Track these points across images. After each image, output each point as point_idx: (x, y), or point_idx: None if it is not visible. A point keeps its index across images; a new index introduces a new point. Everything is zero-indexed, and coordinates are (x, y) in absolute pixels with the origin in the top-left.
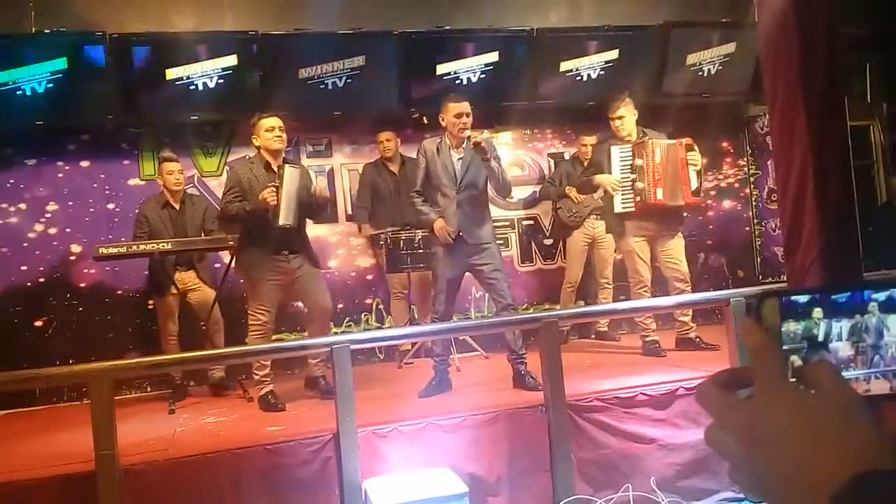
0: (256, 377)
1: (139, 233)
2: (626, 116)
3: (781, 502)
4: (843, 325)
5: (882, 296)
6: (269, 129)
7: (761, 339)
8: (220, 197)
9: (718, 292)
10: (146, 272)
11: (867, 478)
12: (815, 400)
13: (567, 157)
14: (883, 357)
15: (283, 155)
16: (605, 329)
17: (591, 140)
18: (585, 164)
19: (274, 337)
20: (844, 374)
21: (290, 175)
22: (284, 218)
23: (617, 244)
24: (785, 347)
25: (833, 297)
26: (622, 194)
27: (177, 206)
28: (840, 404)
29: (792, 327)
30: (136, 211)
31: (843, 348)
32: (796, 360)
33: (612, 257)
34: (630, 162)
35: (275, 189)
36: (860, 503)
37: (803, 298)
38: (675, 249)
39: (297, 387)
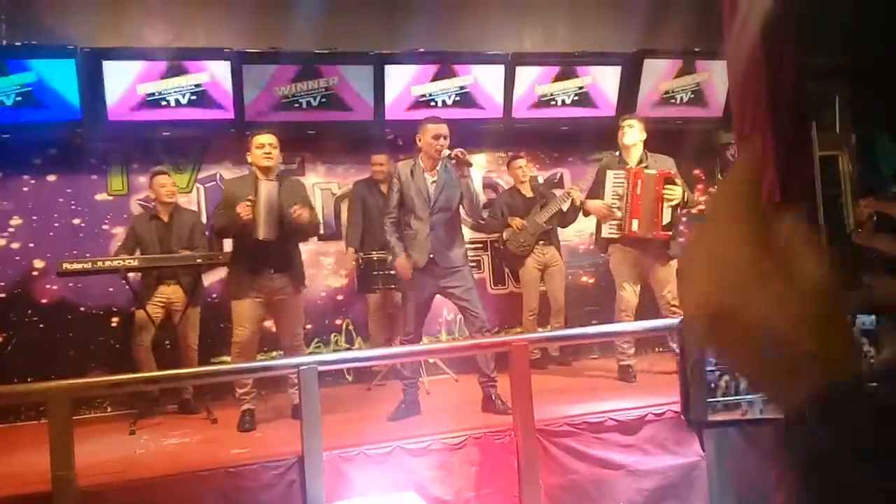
0: (238, 393)
1: (126, 242)
2: (629, 146)
3: None
4: None
5: None
6: (260, 146)
7: None
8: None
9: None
10: (125, 285)
11: None
12: None
13: (504, 183)
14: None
15: (277, 171)
16: (557, 354)
17: (522, 163)
18: (522, 191)
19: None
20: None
21: (267, 189)
22: (262, 233)
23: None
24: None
25: None
26: (609, 222)
27: (165, 219)
28: None
29: None
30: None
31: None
32: None
33: (564, 282)
34: (622, 188)
35: (250, 203)
36: None
37: None
38: (666, 276)
39: (267, 408)
